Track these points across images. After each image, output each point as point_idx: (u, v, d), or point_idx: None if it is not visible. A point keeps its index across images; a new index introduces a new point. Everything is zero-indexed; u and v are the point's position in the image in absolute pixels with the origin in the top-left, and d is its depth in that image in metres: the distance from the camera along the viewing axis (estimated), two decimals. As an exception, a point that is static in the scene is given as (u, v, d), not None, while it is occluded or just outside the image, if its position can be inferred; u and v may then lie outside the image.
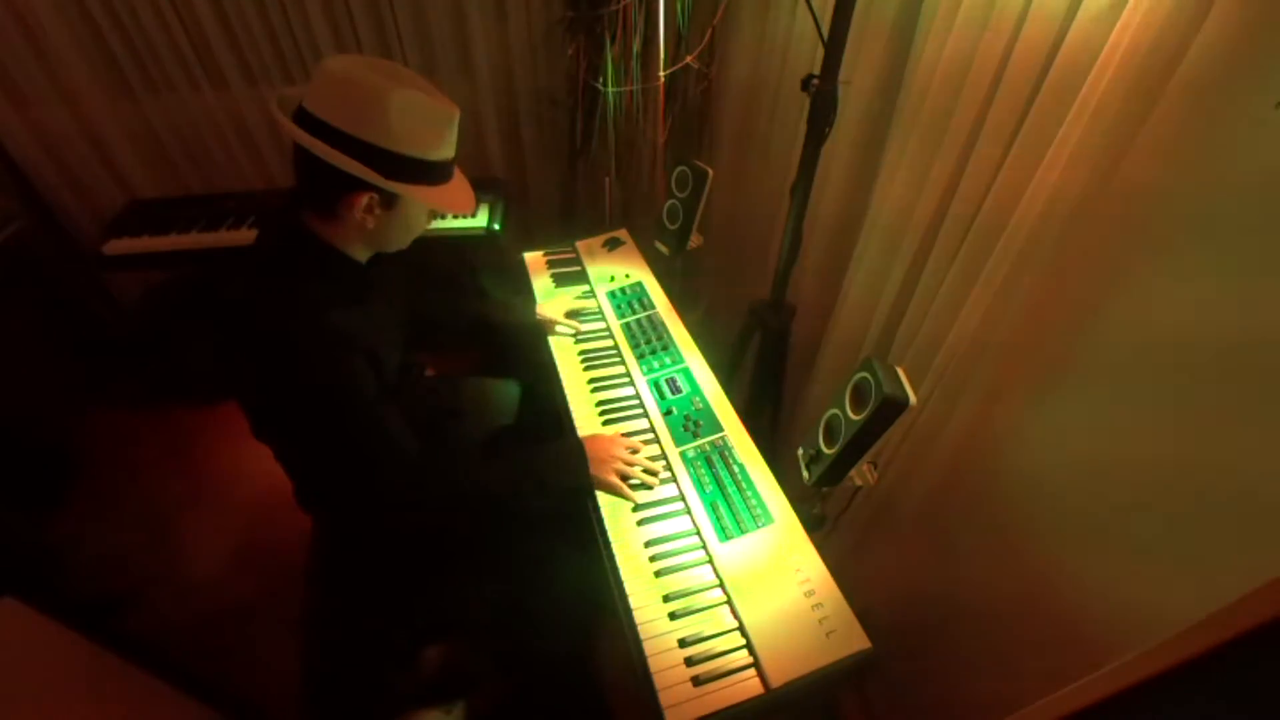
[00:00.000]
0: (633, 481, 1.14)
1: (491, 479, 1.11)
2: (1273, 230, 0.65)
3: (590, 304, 1.56)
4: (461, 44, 2.01)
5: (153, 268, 2.02)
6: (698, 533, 1.07)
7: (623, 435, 1.22)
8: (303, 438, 1.02)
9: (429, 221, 1.08)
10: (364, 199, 0.93)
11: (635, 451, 1.18)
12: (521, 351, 1.53)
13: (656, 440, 1.23)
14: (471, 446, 1.33)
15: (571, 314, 1.50)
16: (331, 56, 0.92)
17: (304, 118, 0.90)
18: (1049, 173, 0.87)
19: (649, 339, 1.45)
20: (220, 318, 1.00)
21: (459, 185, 1.06)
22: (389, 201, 0.96)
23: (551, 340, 1.47)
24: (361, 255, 1.04)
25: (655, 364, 1.39)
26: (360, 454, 0.99)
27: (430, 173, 0.97)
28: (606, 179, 2.10)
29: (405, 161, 0.93)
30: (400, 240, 1.06)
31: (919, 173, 1.17)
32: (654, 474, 1.15)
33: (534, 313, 1.49)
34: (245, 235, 1.97)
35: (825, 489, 1.18)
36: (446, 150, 0.99)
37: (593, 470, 1.12)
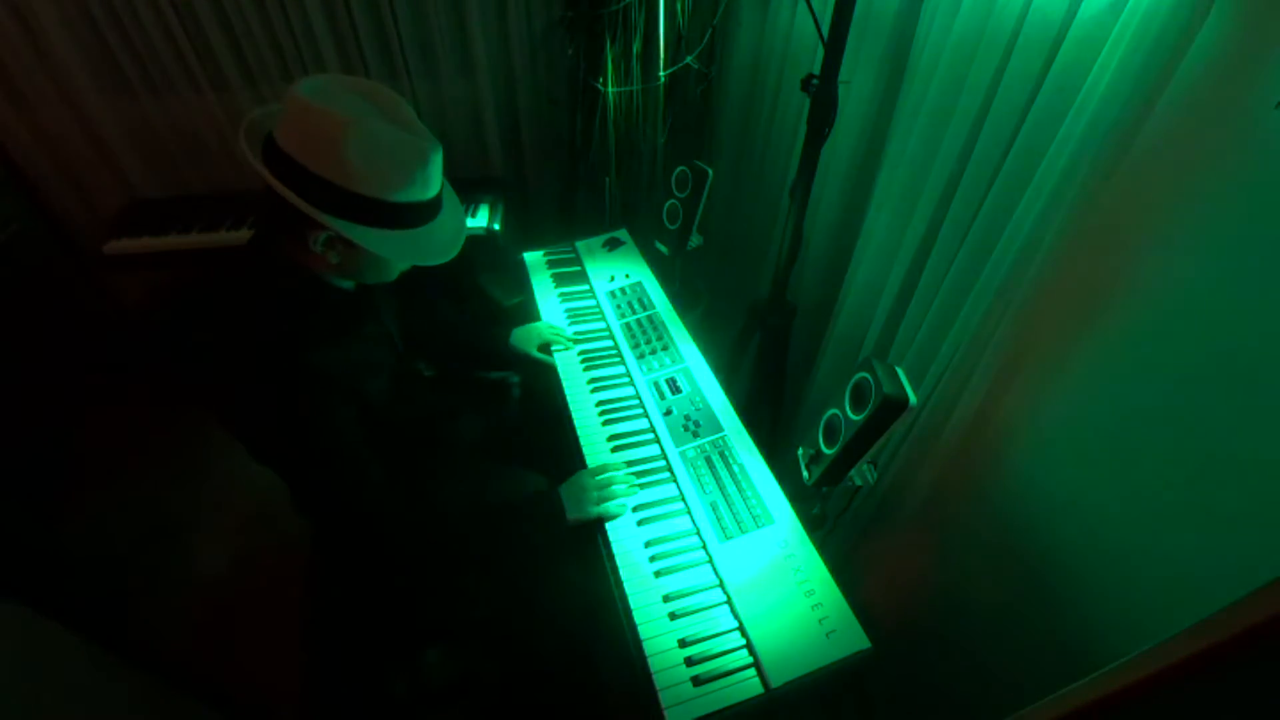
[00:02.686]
0: (616, 502, 1.10)
1: (464, 532, 1.07)
2: (1273, 229, 0.65)
3: (584, 309, 1.54)
4: (461, 44, 2.00)
5: (153, 268, 2.02)
6: (698, 533, 1.07)
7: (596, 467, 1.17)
8: (279, 469, 1.01)
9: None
10: (320, 234, 0.86)
11: (605, 473, 1.13)
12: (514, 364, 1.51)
13: (656, 440, 1.23)
14: (461, 496, 1.25)
15: (545, 346, 1.44)
16: (306, 78, 0.84)
17: (271, 146, 0.85)
18: (1050, 173, 0.87)
19: (649, 339, 1.45)
20: (206, 348, 0.97)
21: (437, 229, 0.96)
22: (349, 241, 0.87)
23: (553, 352, 1.45)
24: (345, 284, 0.99)
25: (655, 364, 1.39)
26: (332, 493, 0.97)
27: (395, 216, 0.88)
28: (606, 179, 2.10)
29: (363, 202, 0.85)
30: (377, 276, 0.99)
31: (919, 172, 1.17)
32: (628, 482, 1.12)
33: (507, 345, 1.44)
34: (245, 235, 1.97)
35: (825, 489, 1.18)
36: (419, 191, 0.90)
37: (571, 515, 1.07)
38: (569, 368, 1.40)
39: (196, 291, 1.94)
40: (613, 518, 1.09)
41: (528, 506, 1.13)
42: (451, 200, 1.02)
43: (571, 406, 1.30)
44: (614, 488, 1.11)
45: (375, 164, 0.84)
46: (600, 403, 1.31)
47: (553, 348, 1.44)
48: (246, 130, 0.88)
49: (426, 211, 0.94)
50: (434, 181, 0.92)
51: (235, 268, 0.99)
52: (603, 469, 1.15)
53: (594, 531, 1.10)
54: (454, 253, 0.98)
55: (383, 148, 0.84)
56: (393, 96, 0.90)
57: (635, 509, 1.11)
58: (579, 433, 1.25)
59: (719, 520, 1.08)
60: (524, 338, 1.44)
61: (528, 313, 1.61)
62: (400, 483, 1.01)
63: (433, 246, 0.95)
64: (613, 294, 1.59)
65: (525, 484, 1.30)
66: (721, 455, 1.18)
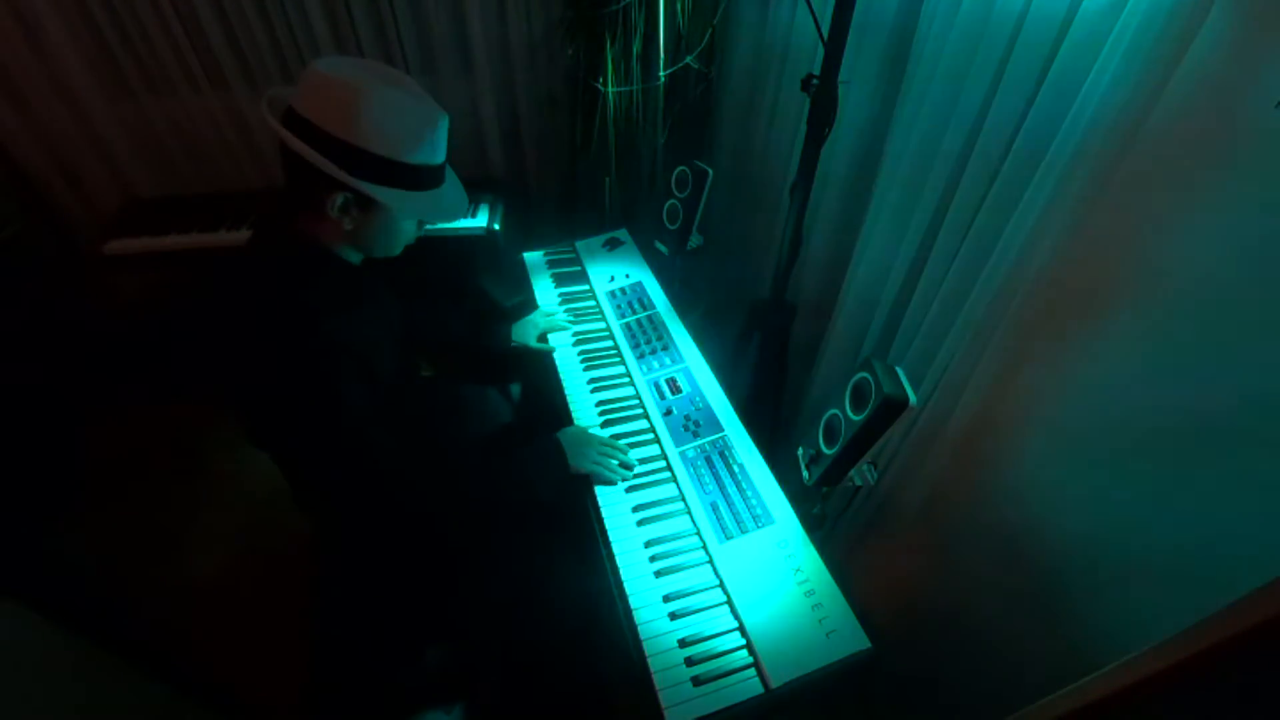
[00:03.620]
0: (611, 469, 1.15)
1: (474, 486, 1.10)
2: (1274, 229, 0.65)
3: (584, 309, 1.55)
4: (461, 44, 2.00)
5: (153, 268, 2.02)
6: (698, 533, 1.07)
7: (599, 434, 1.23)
8: (291, 444, 1.02)
9: (419, 228, 1.05)
10: (338, 197, 0.91)
11: (607, 446, 1.18)
12: (517, 361, 1.52)
13: (656, 440, 1.23)
14: (468, 448, 1.32)
15: (543, 335, 1.47)
16: (322, 57, 0.91)
17: (290, 115, 0.90)
18: (1050, 172, 0.87)
19: (649, 339, 1.45)
20: (214, 322, 0.99)
21: (445, 194, 1.02)
22: (365, 203, 0.93)
23: (551, 340, 1.47)
24: (353, 257, 1.02)
25: (655, 364, 1.39)
26: (345, 464, 0.98)
27: (408, 177, 0.94)
28: (606, 179, 2.10)
29: (379, 162, 0.90)
30: (385, 245, 1.03)
31: (919, 172, 1.17)
32: (629, 467, 1.17)
33: (508, 340, 1.46)
34: (244, 236, 1.97)
35: (825, 489, 1.18)
36: (429, 155, 0.96)
37: (571, 461, 1.13)
38: (569, 368, 1.40)
39: (206, 276, 1.93)
40: (605, 481, 1.14)
41: (529, 450, 1.16)
42: (451, 173, 1.08)
43: (572, 407, 1.31)
44: (614, 459, 1.16)
45: (390, 127, 0.90)
46: (600, 403, 1.31)
47: (549, 333, 1.47)
48: (268, 104, 0.94)
49: (436, 175, 1.00)
50: (441, 147, 0.99)
51: (245, 247, 1.01)
52: (604, 441, 1.19)
53: (593, 531, 1.10)
54: (460, 215, 1.08)
55: (397, 112, 0.90)
56: (401, 74, 0.96)
57: (635, 509, 1.11)
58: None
59: (719, 520, 1.08)
60: (522, 331, 1.47)
61: (527, 312, 1.60)
62: (408, 446, 1.02)
63: (442, 207, 1.02)
64: (613, 294, 1.59)
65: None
66: (721, 455, 1.18)
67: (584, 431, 1.20)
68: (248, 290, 0.96)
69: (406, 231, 1.04)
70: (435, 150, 0.97)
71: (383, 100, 0.88)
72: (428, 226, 1.12)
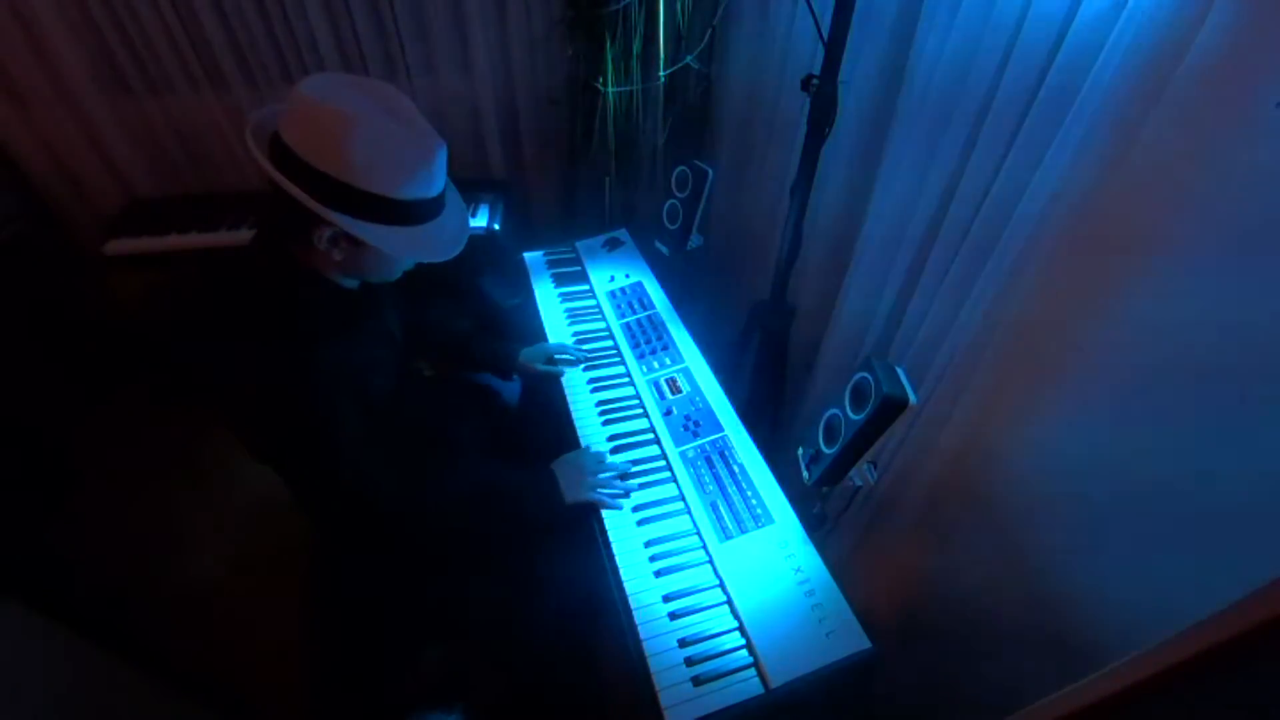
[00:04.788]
0: (610, 492, 1.13)
1: (468, 519, 1.09)
2: (1272, 231, 0.65)
3: (584, 308, 1.55)
4: (461, 44, 2.00)
5: (153, 268, 2.02)
6: (698, 533, 1.07)
7: (594, 450, 1.21)
8: (284, 470, 1.01)
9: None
10: (325, 231, 0.86)
11: (603, 461, 1.17)
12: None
13: (657, 440, 1.23)
14: (465, 476, 1.29)
15: (552, 361, 1.42)
16: (310, 76, 0.85)
17: (276, 144, 0.85)
18: (1049, 173, 0.87)
19: (649, 339, 1.45)
20: (209, 348, 0.97)
21: (440, 227, 0.96)
22: (354, 238, 0.87)
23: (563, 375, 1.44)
24: (348, 283, 0.99)
25: (655, 364, 1.39)
26: (340, 492, 0.98)
27: (399, 212, 0.89)
28: (606, 179, 2.10)
29: (366, 198, 0.85)
30: (380, 274, 0.99)
31: (919, 172, 1.16)
32: (628, 481, 1.15)
33: (516, 361, 1.43)
34: (245, 236, 1.97)
35: (825, 489, 1.18)
36: (423, 189, 0.90)
37: (568, 496, 1.10)
38: (570, 368, 1.40)
39: (199, 291, 1.94)
40: (606, 506, 1.11)
41: (524, 485, 1.14)
42: (455, 198, 1.02)
43: (572, 407, 1.31)
44: (613, 484, 1.13)
45: (380, 160, 0.84)
46: (600, 403, 1.31)
47: (560, 363, 1.42)
48: (253, 129, 0.89)
49: (430, 209, 0.94)
50: (438, 179, 0.93)
51: (238, 267, 0.98)
52: (607, 465, 1.17)
53: (593, 531, 1.10)
54: (457, 250, 0.97)
55: (387, 144, 0.84)
56: (396, 94, 0.90)
57: (635, 509, 1.11)
58: (579, 433, 1.25)
59: (719, 520, 1.08)
60: (532, 355, 1.42)
61: (528, 314, 1.60)
62: (401, 472, 1.01)
63: (436, 244, 0.95)
64: (613, 294, 1.59)
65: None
66: (721, 455, 1.18)
67: (579, 457, 1.16)
68: (241, 318, 0.93)
69: (402, 261, 0.99)
70: (430, 183, 0.91)
71: (373, 131, 0.82)
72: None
